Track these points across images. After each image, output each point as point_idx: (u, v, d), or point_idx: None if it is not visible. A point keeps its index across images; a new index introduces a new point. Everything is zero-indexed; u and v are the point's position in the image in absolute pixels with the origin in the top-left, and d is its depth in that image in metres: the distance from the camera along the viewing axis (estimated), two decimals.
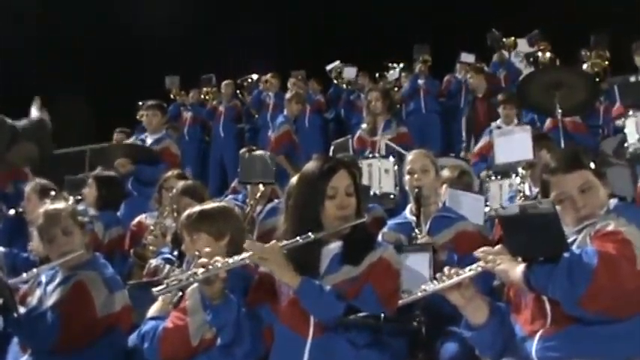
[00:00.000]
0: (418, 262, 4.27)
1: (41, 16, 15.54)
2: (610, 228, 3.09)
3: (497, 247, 3.17)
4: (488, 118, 10.32)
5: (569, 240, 3.16)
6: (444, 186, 6.03)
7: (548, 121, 9.37)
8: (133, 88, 13.09)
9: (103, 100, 13.81)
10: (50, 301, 4.21)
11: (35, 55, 15.28)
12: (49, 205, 4.58)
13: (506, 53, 13.07)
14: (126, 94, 12.91)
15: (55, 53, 15.52)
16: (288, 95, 11.63)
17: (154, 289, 3.37)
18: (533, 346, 3.10)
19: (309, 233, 3.39)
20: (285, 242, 3.40)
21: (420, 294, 3.28)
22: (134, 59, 15.57)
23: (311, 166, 3.66)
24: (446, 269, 3.25)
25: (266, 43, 14.91)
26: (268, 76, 13.52)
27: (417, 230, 4.77)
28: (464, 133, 11.19)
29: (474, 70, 11.61)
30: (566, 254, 2.95)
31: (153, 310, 3.86)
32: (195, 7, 16.30)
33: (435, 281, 3.25)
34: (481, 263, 3.16)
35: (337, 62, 14.01)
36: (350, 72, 13.75)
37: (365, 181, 6.91)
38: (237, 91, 13.86)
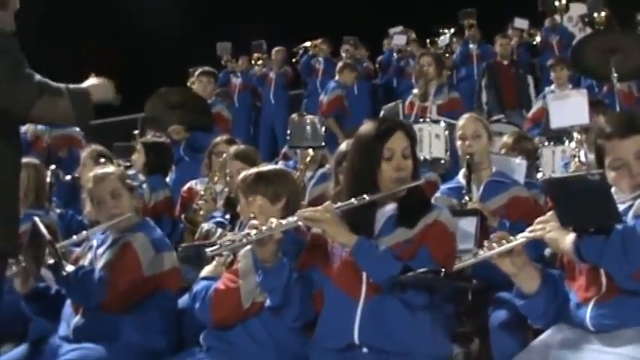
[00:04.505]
0: (465, 227, 4.23)
1: None
2: None
3: (548, 214, 3.09)
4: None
5: (625, 206, 3.08)
6: (502, 152, 5.97)
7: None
8: (182, 56, 13.13)
9: (151, 69, 13.85)
10: (100, 264, 4.25)
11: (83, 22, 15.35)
12: (98, 169, 4.62)
13: (558, 17, 12.82)
14: (174, 63, 12.96)
15: (103, 23, 15.58)
16: (340, 64, 11.54)
17: (208, 250, 3.35)
18: (587, 313, 3.04)
19: (364, 195, 3.33)
20: (339, 204, 3.35)
21: (471, 260, 3.22)
22: (183, 27, 15.58)
23: (367, 127, 3.56)
24: (494, 235, 3.19)
25: (315, 8, 14.81)
26: (318, 41, 13.47)
27: (466, 197, 4.68)
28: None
29: None
30: (618, 226, 2.86)
31: (206, 271, 3.86)
32: None
33: (484, 248, 3.17)
34: (531, 229, 3.10)
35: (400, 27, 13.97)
36: (400, 39, 13.63)
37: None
38: (293, 59, 13.85)
